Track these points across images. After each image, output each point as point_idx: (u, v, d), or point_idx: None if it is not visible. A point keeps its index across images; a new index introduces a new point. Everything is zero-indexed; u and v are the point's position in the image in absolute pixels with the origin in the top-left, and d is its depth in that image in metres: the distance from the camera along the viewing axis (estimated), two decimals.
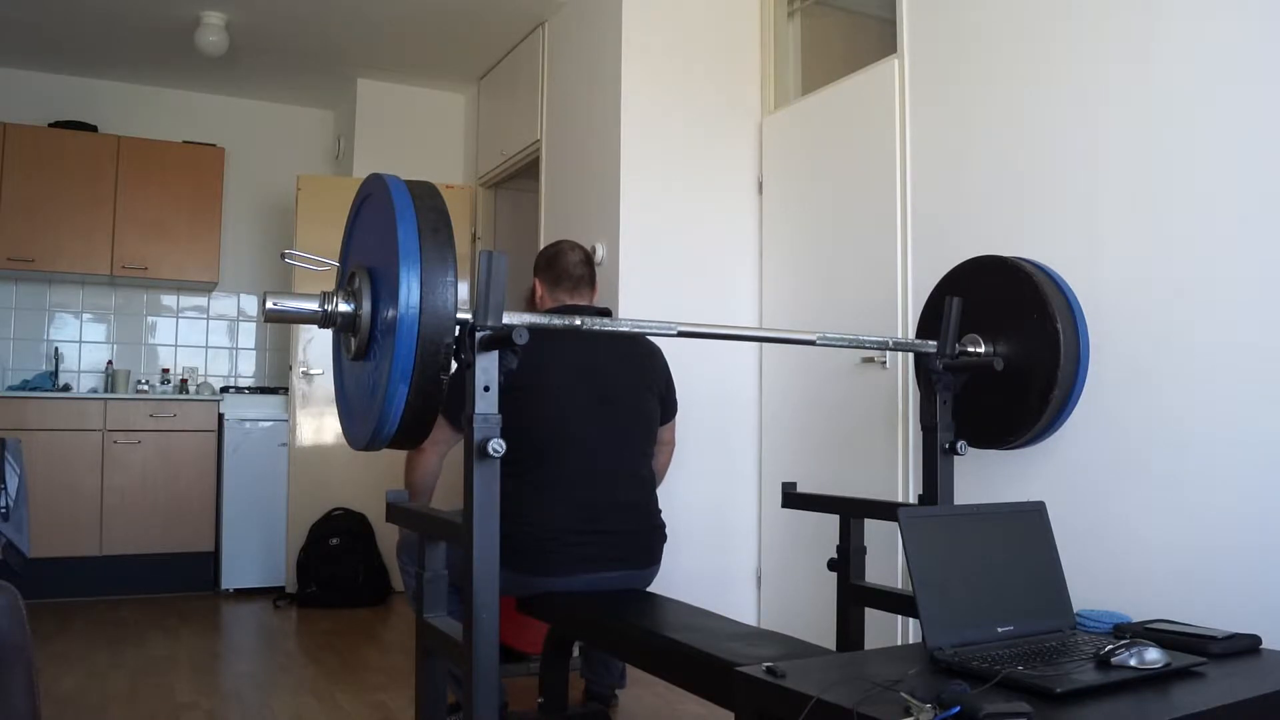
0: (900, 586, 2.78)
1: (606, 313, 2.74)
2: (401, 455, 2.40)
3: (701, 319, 3.49)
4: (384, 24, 4.44)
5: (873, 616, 2.33)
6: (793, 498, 2.47)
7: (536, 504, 2.35)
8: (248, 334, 5.53)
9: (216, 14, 4.31)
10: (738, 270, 3.75)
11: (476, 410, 1.62)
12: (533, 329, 1.64)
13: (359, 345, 1.68)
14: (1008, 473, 2.60)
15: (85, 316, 5.16)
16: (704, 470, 3.59)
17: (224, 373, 5.45)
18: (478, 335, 1.62)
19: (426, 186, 1.67)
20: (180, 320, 5.37)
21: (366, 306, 1.65)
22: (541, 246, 4.08)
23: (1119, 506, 2.31)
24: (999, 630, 1.57)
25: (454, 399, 2.12)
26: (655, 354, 2.67)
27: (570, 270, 2.63)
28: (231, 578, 4.71)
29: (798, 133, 3.60)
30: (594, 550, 2.37)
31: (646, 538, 2.49)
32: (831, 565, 2.32)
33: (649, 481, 2.55)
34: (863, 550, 2.30)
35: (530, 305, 2.73)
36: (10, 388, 4.70)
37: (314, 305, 1.67)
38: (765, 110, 3.81)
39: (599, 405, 2.45)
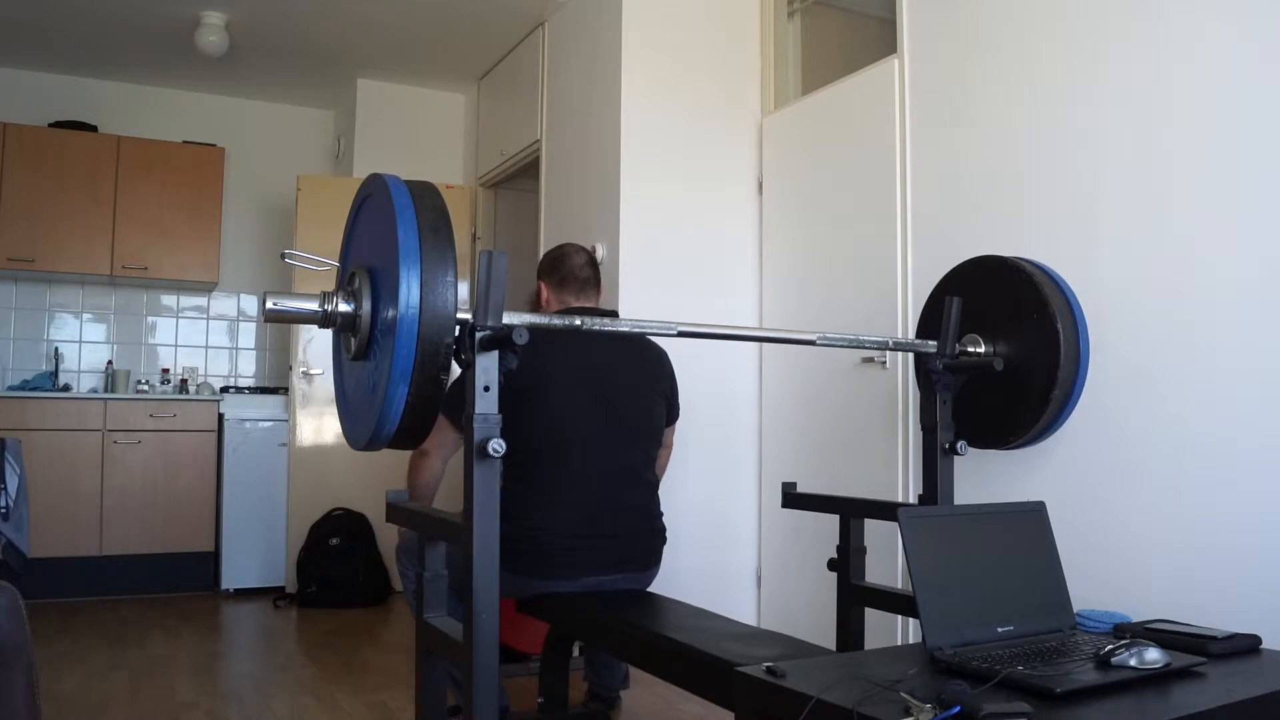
0: (900, 586, 2.78)
1: (613, 315, 2.73)
2: (403, 455, 2.40)
3: (701, 319, 3.49)
4: (384, 24, 4.44)
5: (873, 616, 2.32)
6: (792, 498, 2.47)
7: (537, 506, 2.35)
8: (248, 334, 5.53)
9: (216, 14, 4.31)
10: (738, 270, 3.75)
11: (477, 410, 1.62)
12: (533, 329, 1.64)
13: (359, 345, 1.68)
14: (1008, 473, 2.60)
15: (85, 316, 5.16)
16: (704, 470, 3.59)
17: (224, 373, 5.45)
18: (478, 335, 1.62)
19: (426, 186, 1.67)
20: (180, 320, 5.37)
21: (366, 306, 1.65)
22: (541, 246, 4.09)
23: (1119, 506, 2.31)
24: (999, 630, 1.57)
25: (457, 401, 2.12)
26: (662, 358, 2.66)
27: (576, 273, 2.62)
28: (231, 578, 4.71)
29: (797, 133, 3.60)
30: (595, 554, 2.37)
31: (647, 540, 2.48)
32: (831, 565, 2.32)
33: (651, 484, 2.54)
34: (863, 550, 2.30)
35: (535, 308, 2.72)
36: (10, 388, 4.70)
37: (314, 305, 1.67)
38: (765, 110, 3.81)
39: (601, 407, 2.44)
